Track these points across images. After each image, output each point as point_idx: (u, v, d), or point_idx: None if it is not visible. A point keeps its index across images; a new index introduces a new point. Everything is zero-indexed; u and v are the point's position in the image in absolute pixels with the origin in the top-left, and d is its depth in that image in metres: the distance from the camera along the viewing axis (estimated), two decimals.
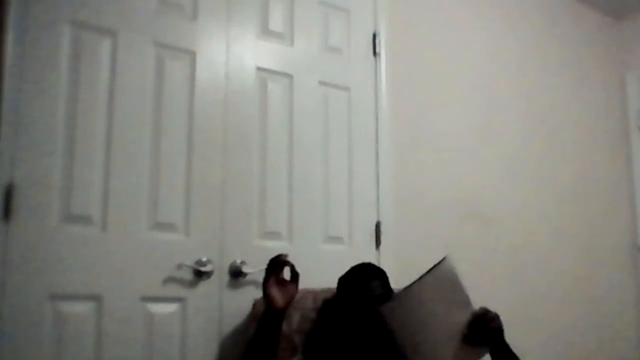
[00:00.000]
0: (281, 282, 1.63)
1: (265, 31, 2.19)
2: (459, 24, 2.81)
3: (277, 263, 1.62)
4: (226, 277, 1.96)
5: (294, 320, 1.82)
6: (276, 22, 2.22)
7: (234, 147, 2.04)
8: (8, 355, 1.59)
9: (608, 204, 3.29)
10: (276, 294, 1.61)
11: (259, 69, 2.14)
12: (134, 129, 1.86)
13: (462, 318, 1.48)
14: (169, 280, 1.86)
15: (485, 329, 1.50)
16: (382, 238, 2.33)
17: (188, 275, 1.89)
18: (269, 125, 2.13)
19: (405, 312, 1.46)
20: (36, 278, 1.65)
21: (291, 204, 2.13)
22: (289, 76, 2.21)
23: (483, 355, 1.53)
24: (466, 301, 1.50)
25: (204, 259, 1.91)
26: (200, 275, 1.89)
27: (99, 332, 1.72)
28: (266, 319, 1.63)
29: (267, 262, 1.65)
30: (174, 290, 1.86)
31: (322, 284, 1.93)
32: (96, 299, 1.73)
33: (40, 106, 1.72)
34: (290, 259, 1.63)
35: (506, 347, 1.58)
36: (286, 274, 1.66)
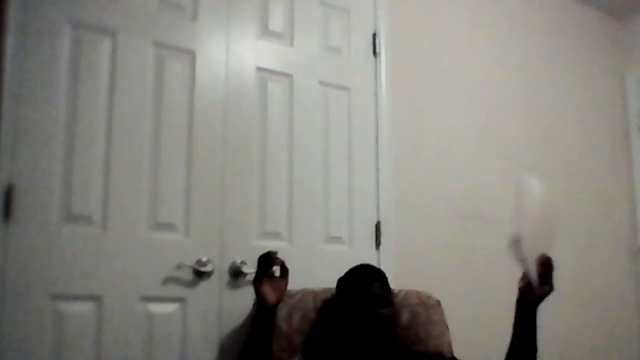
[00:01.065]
0: (272, 279, 1.63)
1: (265, 31, 2.18)
2: (459, 24, 2.81)
3: (268, 260, 1.62)
4: (226, 277, 1.96)
5: (294, 320, 1.82)
6: (276, 22, 2.21)
7: (234, 147, 2.04)
8: (8, 355, 1.59)
9: (608, 204, 3.29)
10: (267, 290, 1.61)
11: (259, 69, 2.14)
12: (134, 129, 1.86)
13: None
14: (169, 280, 1.86)
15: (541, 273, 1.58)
16: (382, 238, 2.33)
17: (188, 275, 1.89)
18: (269, 125, 2.13)
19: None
20: (36, 278, 1.65)
21: (291, 204, 2.13)
22: (289, 76, 2.21)
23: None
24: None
25: (204, 259, 1.91)
26: (200, 275, 1.89)
27: (99, 332, 1.72)
28: (259, 316, 1.64)
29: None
30: (174, 290, 1.86)
31: (322, 284, 1.93)
32: (96, 299, 1.73)
33: (40, 106, 1.72)
34: (279, 256, 1.62)
35: (533, 312, 1.57)
36: (276, 270, 1.65)
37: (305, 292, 1.89)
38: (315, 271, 2.06)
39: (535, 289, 1.54)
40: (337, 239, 2.23)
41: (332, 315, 1.77)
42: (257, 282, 1.62)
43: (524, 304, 1.56)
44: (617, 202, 3.34)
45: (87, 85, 1.80)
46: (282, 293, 1.64)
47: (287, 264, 1.64)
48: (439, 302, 1.95)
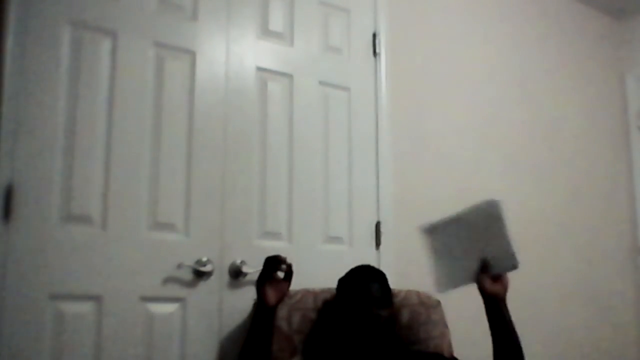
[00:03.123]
0: (275, 280, 1.65)
1: (265, 31, 2.18)
2: (458, 24, 2.81)
3: (275, 264, 1.63)
4: (226, 277, 1.96)
5: (294, 321, 1.82)
6: (276, 22, 2.21)
7: (234, 147, 2.04)
8: (8, 355, 1.59)
9: (608, 204, 3.29)
10: (269, 291, 1.63)
11: (259, 69, 2.14)
12: (134, 129, 1.86)
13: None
14: (169, 280, 1.86)
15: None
16: (382, 238, 2.33)
17: (188, 275, 1.89)
18: (269, 125, 2.13)
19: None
20: (36, 278, 1.65)
21: (291, 204, 2.13)
22: (289, 76, 2.21)
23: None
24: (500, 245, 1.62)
25: (204, 259, 1.91)
26: (200, 275, 1.89)
27: (99, 332, 1.72)
28: (258, 316, 1.65)
29: None
30: (174, 290, 1.86)
31: (322, 284, 1.93)
32: (96, 299, 1.73)
33: (40, 106, 1.72)
34: (288, 259, 1.64)
35: (499, 309, 1.63)
36: (281, 274, 1.67)
37: (305, 292, 1.89)
38: (315, 271, 2.06)
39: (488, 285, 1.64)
40: (337, 239, 2.23)
41: (332, 316, 1.77)
42: (260, 282, 1.63)
43: (487, 300, 1.65)
44: (617, 202, 3.34)
45: (87, 85, 1.80)
46: (284, 295, 1.66)
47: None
48: (439, 302, 1.95)
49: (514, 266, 1.61)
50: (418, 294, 1.95)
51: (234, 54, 2.09)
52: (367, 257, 2.24)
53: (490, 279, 1.63)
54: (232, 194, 2.01)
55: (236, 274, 1.97)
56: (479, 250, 1.64)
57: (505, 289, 1.64)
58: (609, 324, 3.15)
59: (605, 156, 3.34)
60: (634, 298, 3.31)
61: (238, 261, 1.98)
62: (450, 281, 1.66)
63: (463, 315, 2.22)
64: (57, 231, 1.70)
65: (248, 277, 1.96)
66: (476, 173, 2.72)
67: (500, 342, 1.64)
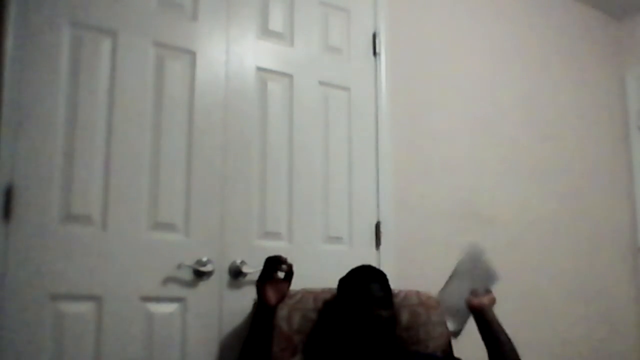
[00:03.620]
0: (275, 280, 1.65)
1: (265, 31, 2.19)
2: (458, 23, 2.81)
3: (275, 264, 1.63)
4: (226, 277, 1.96)
5: (295, 321, 1.82)
6: (276, 22, 2.21)
7: (234, 147, 2.04)
8: (8, 355, 1.59)
9: (608, 204, 3.29)
10: (269, 291, 1.65)
11: (259, 69, 2.14)
12: (134, 129, 1.86)
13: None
14: (169, 280, 1.86)
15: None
16: (382, 238, 2.33)
17: (188, 275, 1.89)
18: (269, 125, 2.13)
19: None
20: (36, 278, 1.65)
21: (291, 204, 2.13)
22: (289, 76, 2.21)
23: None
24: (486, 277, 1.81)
25: (204, 259, 1.91)
26: (200, 275, 1.89)
27: (99, 332, 1.72)
28: (259, 316, 1.66)
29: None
30: (174, 290, 1.86)
31: (322, 284, 1.93)
32: (96, 299, 1.73)
33: (40, 106, 1.72)
34: (288, 259, 1.65)
35: (485, 320, 1.71)
36: (281, 275, 1.68)
37: (306, 293, 1.89)
38: (315, 271, 2.06)
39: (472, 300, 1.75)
40: (337, 239, 2.23)
41: (332, 316, 1.77)
42: (260, 282, 1.64)
43: (475, 313, 1.74)
44: (617, 202, 3.34)
45: (87, 85, 1.80)
46: (284, 295, 1.67)
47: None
48: (439, 302, 1.95)
49: (495, 280, 1.77)
50: (418, 294, 1.95)
51: (234, 54, 2.09)
52: (367, 257, 2.24)
53: (478, 296, 1.73)
54: (232, 193, 2.01)
55: (236, 274, 1.97)
56: (471, 284, 1.79)
57: (490, 301, 1.73)
58: (609, 324, 3.15)
59: (605, 156, 3.34)
60: (634, 298, 3.31)
61: (238, 261, 1.98)
62: (461, 321, 1.77)
63: None
64: (57, 231, 1.70)
65: (248, 277, 1.96)
66: (476, 173, 2.73)
67: (493, 351, 1.67)
